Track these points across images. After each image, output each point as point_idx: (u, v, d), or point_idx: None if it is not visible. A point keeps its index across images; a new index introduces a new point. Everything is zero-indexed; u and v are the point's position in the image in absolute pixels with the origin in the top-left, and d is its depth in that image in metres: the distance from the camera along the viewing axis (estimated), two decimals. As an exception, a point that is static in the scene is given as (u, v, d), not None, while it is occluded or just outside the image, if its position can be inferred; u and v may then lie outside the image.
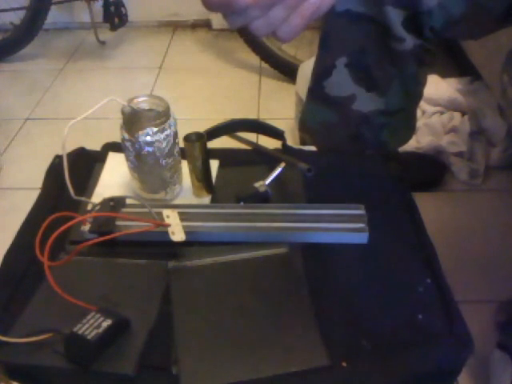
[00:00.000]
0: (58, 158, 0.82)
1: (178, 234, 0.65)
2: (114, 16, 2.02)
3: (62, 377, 0.55)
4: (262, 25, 0.48)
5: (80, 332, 0.54)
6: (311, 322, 0.59)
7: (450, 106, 1.51)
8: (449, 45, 1.81)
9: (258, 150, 0.85)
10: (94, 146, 0.87)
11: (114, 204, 0.69)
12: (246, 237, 0.68)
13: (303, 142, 1.07)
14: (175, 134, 0.72)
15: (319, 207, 0.71)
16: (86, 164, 0.83)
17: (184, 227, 0.66)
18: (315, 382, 0.55)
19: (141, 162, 0.72)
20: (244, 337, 0.57)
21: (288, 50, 1.82)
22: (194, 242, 0.67)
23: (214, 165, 0.81)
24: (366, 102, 0.86)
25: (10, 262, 0.67)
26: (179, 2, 2.24)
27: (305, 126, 0.97)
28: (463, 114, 1.50)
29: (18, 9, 1.98)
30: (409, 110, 0.92)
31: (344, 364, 0.55)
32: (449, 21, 0.76)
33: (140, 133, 0.69)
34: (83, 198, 0.72)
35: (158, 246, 0.67)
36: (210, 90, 1.86)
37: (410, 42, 0.78)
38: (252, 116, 1.68)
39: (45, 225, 0.64)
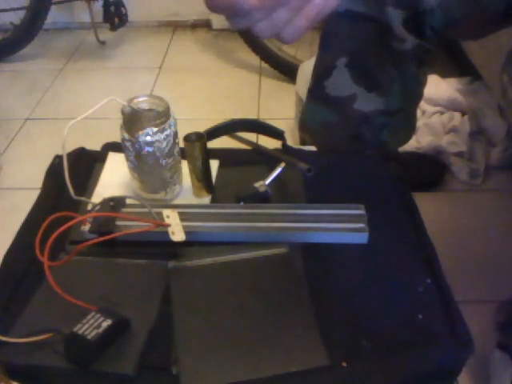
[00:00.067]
0: (58, 157, 0.82)
1: (177, 234, 0.65)
2: (114, 16, 2.02)
3: (62, 377, 0.55)
4: (265, 27, 0.48)
5: (80, 332, 0.54)
6: (311, 322, 0.59)
7: (450, 106, 1.51)
8: (449, 45, 1.81)
9: (258, 149, 0.85)
10: (94, 145, 0.88)
11: (114, 204, 0.69)
12: (245, 237, 0.68)
13: (303, 142, 1.07)
14: (175, 134, 0.72)
15: (319, 207, 0.71)
16: (86, 164, 0.82)
17: (184, 227, 0.66)
18: (315, 382, 0.55)
19: (141, 162, 0.72)
20: (244, 337, 0.57)
21: (288, 50, 1.82)
22: (193, 242, 0.67)
23: (214, 165, 0.81)
24: (366, 102, 0.86)
25: (10, 262, 0.67)
26: (179, 2, 2.25)
27: (305, 125, 0.97)
28: (463, 113, 1.50)
29: (18, 9, 1.98)
30: (409, 110, 0.92)
31: (344, 364, 0.55)
32: (449, 21, 0.76)
33: (140, 133, 0.69)
34: (83, 198, 0.72)
35: (158, 246, 0.67)
36: (209, 90, 1.86)
37: (410, 42, 0.78)
38: (252, 116, 1.68)
39: (45, 225, 0.64)
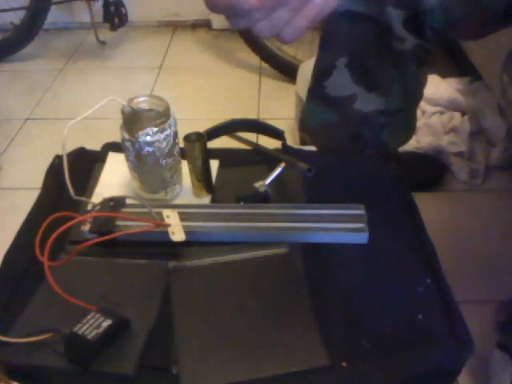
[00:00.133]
0: (58, 157, 0.82)
1: (177, 234, 0.65)
2: (114, 16, 2.02)
3: (62, 377, 0.55)
4: (265, 27, 0.48)
5: (80, 332, 0.54)
6: (311, 322, 0.59)
7: (450, 106, 1.51)
8: (449, 45, 1.81)
9: (258, 149, 0.85)
10: (94, 145, 0.88)
11: (114, 204, 0.69)
12: (245, 237, 0.68)
13: (303, 142, 1.07)
14: (175, 134, 0.72)
15: (319, 207, 0.71)
16: (86, 164, 0.82)
17: (184, 227, 0.66)
18: (315, 382, 0.55)
19: (141, 162, 0.72)
20: (244, 337, 0.57)
21: (288, 50, 1.82)
22: (193, 242, 0.67)
23: (214, 165, 0.81)
24: (366, 102, 0.86)
25: (10, 262, 0.67)
26: (179, 2, 2.25)
27: (305, 125, 0.97)
28: (463, 114, 1.50)
29: (18, 9, 1.98)
30: (409, 110, 0.92)
31: (344, 364, 0.55)
32: (449, 21, 0.76)
33: (140, 133, 0.69)
34: (83, 198, 0.72)
35: (158, 246, 0.67)
36: (210, 90, 1.86)
37: (410, 42, 0.78)
38: (252, 116, 1.68)
39: (45, 225, 0.64)
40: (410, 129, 0.97)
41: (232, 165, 0.82)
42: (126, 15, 2.05)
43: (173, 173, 0.74)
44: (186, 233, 0.65)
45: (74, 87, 1.93)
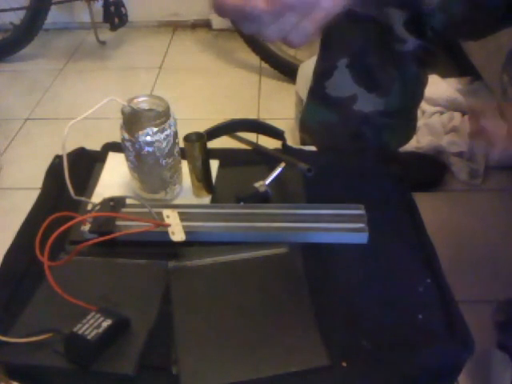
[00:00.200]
0: (58, 157, 0.82)
1: (177, 234, 0.65)
2: (114, 16, 2.02)
3: (62, 377, 0.55)
4: (273, 31, 0.48)
5: (80, 332, 0.54)
6: (311, 322, 0.59)
7: (450, 106, 1.51)
8: (449, 45, 1.81)
9: (258, 149, 0.85)
10: (94, 146, 0.88)
11: (114, 204, 0.69)
12: (245, 237, 0.68)
13: (303, 142, 1.07)
14: (175, 134, 0.72)
15: (319, 207, 0.71)
16: (86, 164, 0.83)
17: (184, 227, 0.66)
18: (315, 382, 0.55)
19: (141, 162, 0.72)
20: (244, 337, 0.57)
21: (288, 50, 1.82)
22: (193, 242, 0.67)
23: (214, 165, 0.81)
24: (366, 103, 0.86)
25: (10, 262, 0.67)
26: (179, 2, 2.24)
27: (305, 125, 0.97)
28: (463, 113, 1.50)
29: (18, 9, 1.98)
30: (410, 110, 0.92)
31: (344, 364, 0.55)
32: (449, 21, 0.76)
33: (140, 133, 0.69)
34: (83, 198, 0.72)
35: (158, 246, 0.67)
36: (210, 90, 1.86)
37: (411, 42, 0.79)
38: (252, 116, 1.68)
39: (45, 225, 0.64)
40: (410, 129, 0.97)
41: (232, 165, 0.82)
42: (126, 15, 2.04)
43: (173, 173, 0.74)
44: (186, 233, 0.65)
45: (74, 87, 1.93)
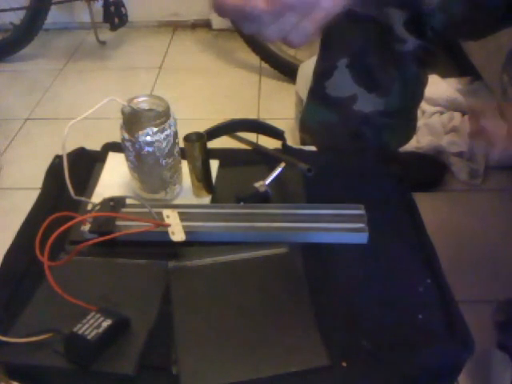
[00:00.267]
0: (58, 158, 0.82)
1: (177, 234, 0.65)
2: (114, 16, 2.02)
3: (62, 377, 0.55)
4: (273, 31, 0.48)
5: (80, 332, 0.54)
6: (311, 322, 0.59)
7: (450, 106, 1.51)
8: (449, 45, 1.81)
9: (258, 149, 0.85)
10: (94, 146, 0.88)
11: (114, 204, 0.69)
12: (245, 237, 0.68)
13: (303, 142, 1.07)
14: (175, 134, 0.72)
15: (319, 207, 0.71)
16: (86, 164, 0.83)
17: (184, 227, 0.66)
18: (315, 382, 0.55)
19: (141, 162, 0.72)
20: (244, 337, 0.57)
21: (288, 50, 1.82)
22: (193, 242, 0.67)
23: (214, 165, 0.81)
24: (366, 103, 0.86)
25: (9, 262, 0.67)
26: (179, 2, 2.24)
27: (305, 125, 0.97)
28: (463, 114, 1.50)
29: (18, 9, 1.98)
30: (410, 110, 0.92)
31: (344, 364, 0.55)
32: (449, 21, 0.76)
33: (140, 133, 0.69)
34: (83, 198, 0.72)
35: (158, 246, 0.67)
36: (210, 90, 1.86)
37: (411, 42, 0.79)
38: (252, 116, 1.68)
39: (45, 225, 0.64)
40: (410, 129, 0.97)
41: (232, 165, 0.82)
42: (126, 15, 2.04)
43: (173, 173, 0.74)
44: (186, 233, 0.65)
45: (74, 87, 1.93)
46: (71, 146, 0.80)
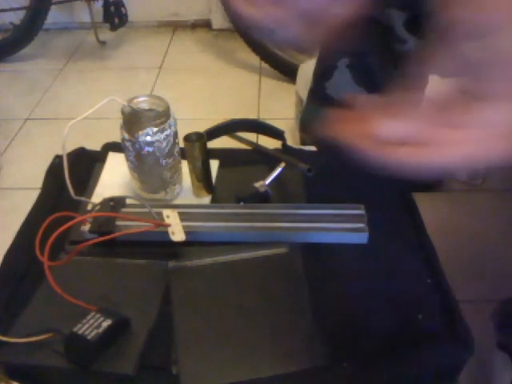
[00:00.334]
0: (58, 158, 0.82)
1: (177, 234, 0.65)
2: (114, 16, 2.02)
3: (62, 377, 0.56)
4: (284, 37, 0.48)
5: (80, 332, 0.54)
6: (311, 322, 0.59)
7: (450, 106, 1.51)
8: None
9: (258, 149, 0.85)
10: (94, 146, 0.88)
11: (114, 204, 0.69)
12: (245, 237, 0.68)
13: (303, 142, 1.07)
14: (175, 134, 0.72)
15: (319, 207, 0.71)
16: (86, 164, 0.83)
17: (184, 227, 0.66)
18: (315, 382, 0.55)
19: (141, 162, 0.72)
20: (244, 337, 0.57)
21: (288, 50, 1.82)
22: (194, 242, 0.67)
23: (214, 165, 0.81)
24: (366, 103, 0.86)
25: (9, 262, 0.67)
26: (179, 2, 2.25)
27: (305, 125, 0.97)
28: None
29: (18, 9, 1.98)
30: (409, 110, 0.92)
31: (344, 364, 0.55)
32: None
33: (140, 133, 0.69)
34: (83, 198, 0.72)
35: (158, 246, 0.67)
36: (210, 90, 1.86)
37: (411, 43, 0.78)
38: (252, 116, 1.68)
39: (45, 225, 0.64)
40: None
41: (232, 165, 0.82)
42: (126, 15, 2.05)
43: (173, 173, 0.74)
44: (186, 233, 0.65)
45: (74, 87, 1.93)
46: (71, 146, 0.80)
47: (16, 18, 2.00)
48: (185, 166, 0.76)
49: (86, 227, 0.67)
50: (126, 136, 0.70)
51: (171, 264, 0.65)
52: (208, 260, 0.66)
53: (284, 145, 0.86)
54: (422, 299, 0.62)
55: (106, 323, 0.55)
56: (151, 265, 0.66)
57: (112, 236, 0.65)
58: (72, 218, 0.64)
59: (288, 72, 1.80)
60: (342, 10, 0.48)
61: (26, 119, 1.76)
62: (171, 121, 0.71)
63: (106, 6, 2.00)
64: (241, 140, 0.87)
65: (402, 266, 0.66)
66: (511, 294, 1.02)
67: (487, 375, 0.91)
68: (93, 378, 0.55)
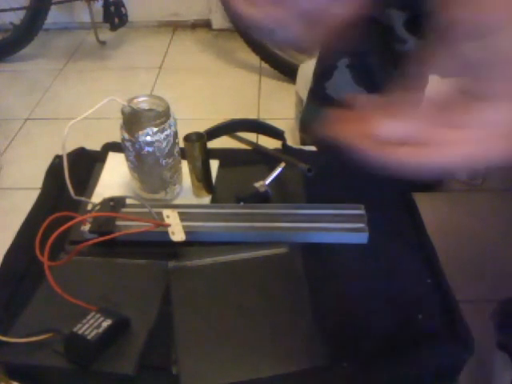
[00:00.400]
0: (58, 157, 0.82)
1: (177, 234, 0.65)
2: (114, 16, 2.02)
3: (62, 377, 0.56)
4: (284, 37, 0.48)
5: (80, 332, 0.54)
6: (311, 322, 0.59)
7: (450, 106, 1.51)
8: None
9: (258, 149, 0.85)
10: (94, 146, 0.88)
11: (114, 204, 0.69)
12: (245, 237, 0.68)
13: (303, 142, 1.07)
14: (175, 134, 0.72)
15: (319, 207, 0.71)
16: (86, 164, 0.83)
17: (184, 227, 0.66)
18: (315, 382, 0.55)
19: (141, 162, 0.72)
20: (244, 337, 0.57)
21: (288, 50, 1.82)
22: (194, 242, 0.67)
23: (214, 165, 0.81)
24: (366, 103, 0.86)
25: (9, 262, 0.67)
26: (179, 2, 2.25)
27: (305, 126, 0.97)
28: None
29: (18, 9, 1.98)
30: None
31: (344, 364, 0.55)
32: None
33: (140, 133, 0.69)
34: (83, 198, 0.72)
35: (158, 246, 0.67)
36: (210, 90, 1.86)
37: (411, 43, 0.78)
38: (252, 116, 1.68)
39: (45, 225, 0.64)
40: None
41: (232, 165, 0.82)
42: (126, 15, 2.05)
43: (173, 173, 0.74)
44: (186, 233, 0.65)
45: (74, 87, 1.93)
46: (71, 146, 0.80)
47: (16, 18, 2.00)
48: (185, 166, 0.76)
49: (86, 227, 0.67)
50: (126, 136, 0.70)
51: (171, 264, 0.65)
52: (208, 260, 0.66)
53: (284, 145, 0.86)
54: (422, 299, 0.62)
55: (106, 323, 0.55)
56: (151, 265, 0.66)
57: (112, 236, 0.65)
58: (72, 218, 0.64)
59: (288, 72, 1.80)
60: (342, 10, 0.48)
61: (26, 119, 1.76)
62: (171, 121, 0.71)
63: (106, 5, 2.00)
64: (241, 140, 0.87)
65: (401, 266, 0.66)
66: (511, 294, 1.02)
67: (487, 375, 0.91)
68: (93, 378, 0.55)
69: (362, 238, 0.68)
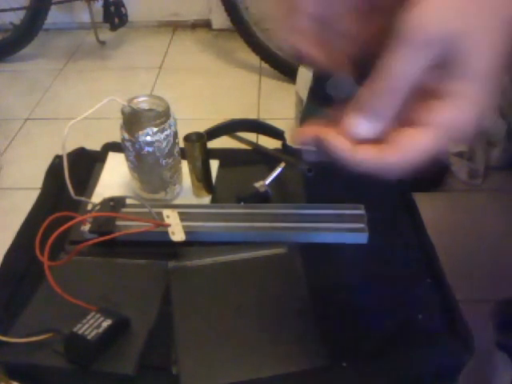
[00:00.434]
0: (58, 158, 0.82)
1: (177, 234, 0.65)
2: (114, 16, 2.02)
3: (62, 377, 0.55)
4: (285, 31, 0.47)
5: (80, 332, 0.54)
6: (311, 321, 0.59)
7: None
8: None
9: (258, 149, 0.85)
10: (94, 146, 0.88)
11: (114, 204, 0.69)
12: (245, 237, 0.68)
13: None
14: (175, 134, 0.72)
15: (319, 207, 0.71)
16: (86, 164, 0.83)
17: (184, 227, 0.66)
18: (315, 382, 0.55)
19: (141, 162, 0.72)
20: (244, 337, 0.57)
21: (288, 50, 1.82)
22: (193, 242, 0.67)
23: (214, 165, 0.81)
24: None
25: (9, 262, 0.67)
26: (179, 2, 2.25)
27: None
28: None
29: (18, 9, 1.98)
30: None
31: (344, 364, 0.55)
32: None
33: (140, 133, 0.69)
34: (83, 198, 0.72)
35: (158, 245, 0.67)
36: (210, 90, 1.86)
37: None
38: (252, 116, 1.68)
39: (45, 225, 0.64)
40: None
41: (232, 165, 0.82)
42: (126, 15, 2.05)
43: (173, 173, 0.74)
44: (186, 233, 0.65)
45: (74, 87, 1.93)
46: (71, 146, 0.80)
47: (16, 18, 2.00)
48: (185, 166, 0.76)
49: (86, 227, 0.67)
50: (126, 136, 0.70)
51: (171, 264, 0.65)
52: (208, 260, 0.66)
53: (284, 145, 0.86)
54: (422, 299, 0.62)
55: (106, 323, 0.55)
56: (151, 265, 0.66)
57: (112, 236, 0.65)
58: (72, 218, 0.64)
59: (288, 72, 1.80)
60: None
61: (26, 119, 1.76)
62: (171, 121, 0.71)
63: (106, 5, 2.00)
64: (241, 140, 0.87)
65: (401, 266, 0.66)
66: (511, 293, 1.02)
67: (487, 375, 0.91)
68: (93, 378, 0.55)
69: (361, 238, 0.67)
